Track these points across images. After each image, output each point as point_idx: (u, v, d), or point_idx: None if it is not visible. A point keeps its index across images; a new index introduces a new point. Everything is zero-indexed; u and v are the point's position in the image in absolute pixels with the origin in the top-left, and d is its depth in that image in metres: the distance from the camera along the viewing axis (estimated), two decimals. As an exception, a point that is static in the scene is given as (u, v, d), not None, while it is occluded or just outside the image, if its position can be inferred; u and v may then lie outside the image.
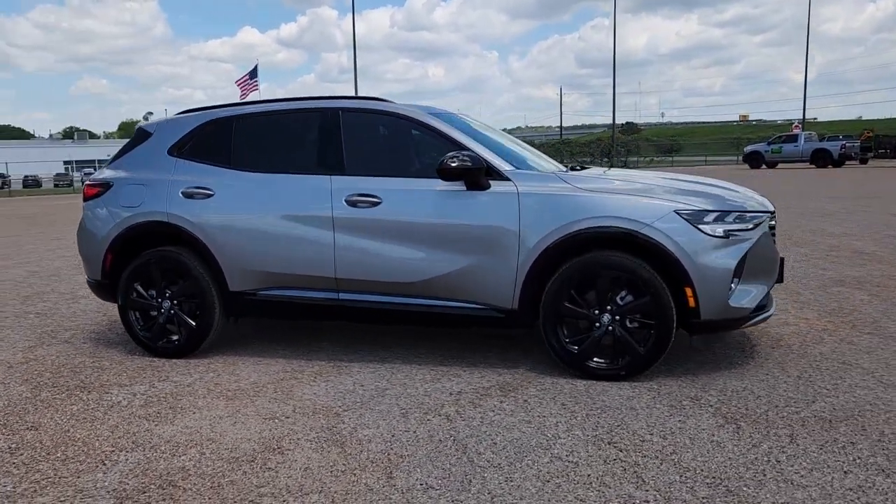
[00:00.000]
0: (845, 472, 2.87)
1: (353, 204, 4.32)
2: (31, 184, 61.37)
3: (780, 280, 4.44)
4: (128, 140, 5.19)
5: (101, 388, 4.17)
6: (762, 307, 4.12)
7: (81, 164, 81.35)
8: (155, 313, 4.74)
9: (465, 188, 4.15)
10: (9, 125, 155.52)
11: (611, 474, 2.92)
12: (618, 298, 3.99)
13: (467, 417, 3.58)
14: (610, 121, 63.87)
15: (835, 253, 8.25)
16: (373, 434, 3.41)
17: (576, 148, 53.86)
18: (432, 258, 4.21)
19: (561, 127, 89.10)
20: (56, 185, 60.13)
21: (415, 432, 3.41)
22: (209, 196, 4.59)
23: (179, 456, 3.22)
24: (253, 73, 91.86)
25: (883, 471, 2.88)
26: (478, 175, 4.09)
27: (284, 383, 4.18)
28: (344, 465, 3.08)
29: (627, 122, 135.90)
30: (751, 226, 4.00)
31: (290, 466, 3.08)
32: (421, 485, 2.88)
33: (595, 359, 4.04)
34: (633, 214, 3.92)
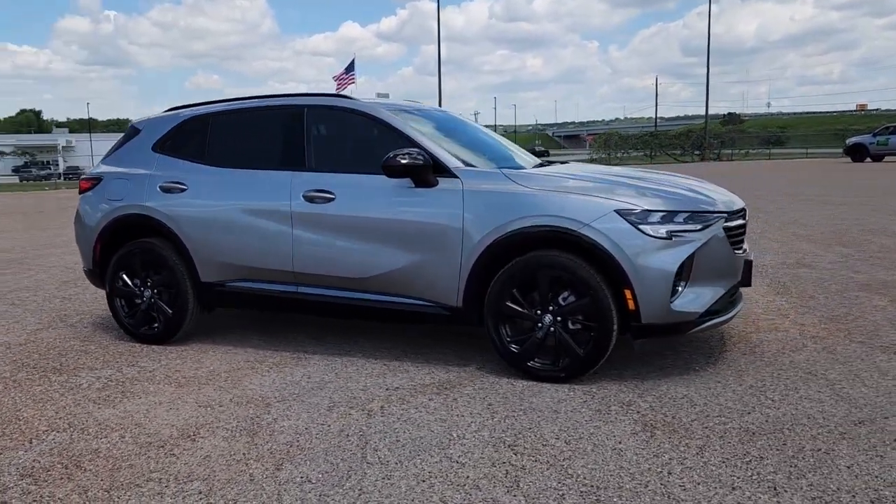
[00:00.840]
0: (732, 489, 2.73)
1: (310, 200, 4.40)
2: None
3: (745, 283, 4.24)
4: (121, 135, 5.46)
5: (72, 371, 4.44)
6: (714, 312, 3.94)
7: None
8: (139, 301, 4.99)
9: (413, 185, 4.16)
10: (128, 119, 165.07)
11: (490, 477, 2.88)
12: (560, 299, 3.91)
13: (388, 414, 3.60)
14: (714, 111, 61.65)
15: (881, 255, 7.73)
16: (289, 426, 3.49)
17: (665, 140, 52.30)
18: (381, 254, 4.25)
19: (656, 118, 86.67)
20: None
21: (329, 426, 3.47)
22: (183, 190, 4.79)
23: (100, 438, 3.39)
24: (349, 68, 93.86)
25: (774, 488, 2.72)
26: (423, 172, 4.09)
27: (239, 373, 4.32)
28: (243, 454, 3.18)
29: (729, 113, 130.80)
30: (699, 227, 3.83)
31: (193, 454, 3.20)
32: (301, 478, 2.94)
33: (536, 359, 3.98)
34: (573, 213, 3.83)
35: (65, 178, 56.93)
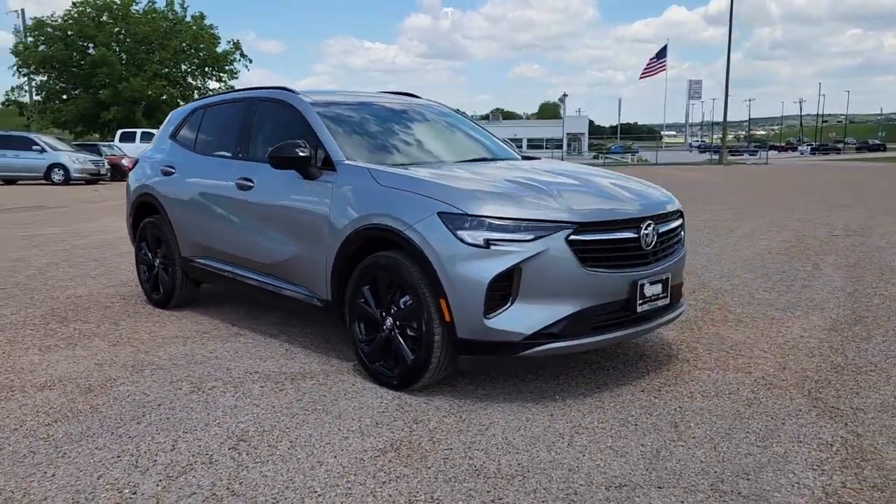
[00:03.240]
0: (342, 525, 2.47)
1: (239, 187, 4.67)
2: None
3: (630, 310, 3.60)
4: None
5: (69, 322, 5.24)
6: (554, 336, 3.42)
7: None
8: (153, 269, 5.70)
9: (300, 176, 4.22)
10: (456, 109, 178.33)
11: (164, 467, 2.91)
12: (401, 302, 3.71)
13: (205, 393, 3.74)
14: None
15: None
16: (122, 391, 3.81)
17: None
18: (278, 241, 4.38)
19: None
20: None
21: (146, 396, 3.73)
22: (172, 174, 5.36)
23: (-13, 378, 4.06)
24: (661, 54, 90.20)
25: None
26: (302, 164, 4.13)
27: (173, 340, 4.75)
28: (50, 408, 3.56)
29: None
30: (529, 237, 3.35)
31: (22, 400, 3.67)
32: (47, 435, 3.23)
33: (380, 362, 3.83)
34: (402, 214, 3.60)
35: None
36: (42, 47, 39.31)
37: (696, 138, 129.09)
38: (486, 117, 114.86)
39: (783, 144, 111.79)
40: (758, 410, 3.44)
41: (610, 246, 3.52)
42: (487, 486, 2.73)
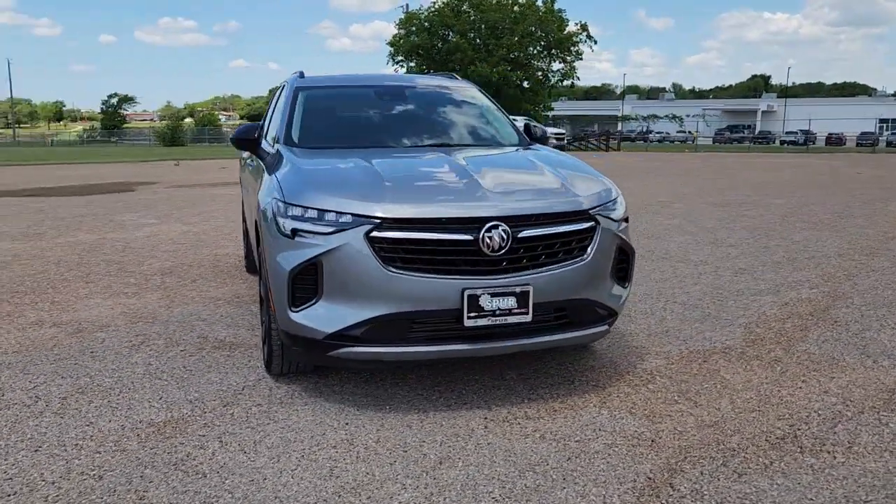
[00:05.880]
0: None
1: (247, 163, 5.01)
2: (835, 141, 56.72)
3: (457, 322, 3.11)
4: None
5: (168, 276, 6.11)
6: (357, 340, 3.12)
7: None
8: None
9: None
10: (855, 82, 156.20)
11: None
12: (274, 286, 3.71)
13: (140, 349, 4.18)
14: None
15: None
16: (95, 337, 4.43)
17: None
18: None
19: None
20: (858, 144, 52.98)
21: (102, 344, 4.29)
22: (247, 151, 5.90)
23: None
24: None
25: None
26: (250, 146, 4.33)
27: (201, 301, 5.29)
28: (23, 340, 4.31)
29: None
30: (328, 229, 3.10)
31: (22, 332, 4.49)
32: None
33: (266, 344, 3.87)
34: (263, 197, 3.59)
35: (754, 143, 55.12)
36: (413, 37, 44.16)
37: None
38: (895, 94, 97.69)
39: None
40: (568, 467, 2.75)
41: (429, 247, 3.07)
42: (158, 476, 2.69)
